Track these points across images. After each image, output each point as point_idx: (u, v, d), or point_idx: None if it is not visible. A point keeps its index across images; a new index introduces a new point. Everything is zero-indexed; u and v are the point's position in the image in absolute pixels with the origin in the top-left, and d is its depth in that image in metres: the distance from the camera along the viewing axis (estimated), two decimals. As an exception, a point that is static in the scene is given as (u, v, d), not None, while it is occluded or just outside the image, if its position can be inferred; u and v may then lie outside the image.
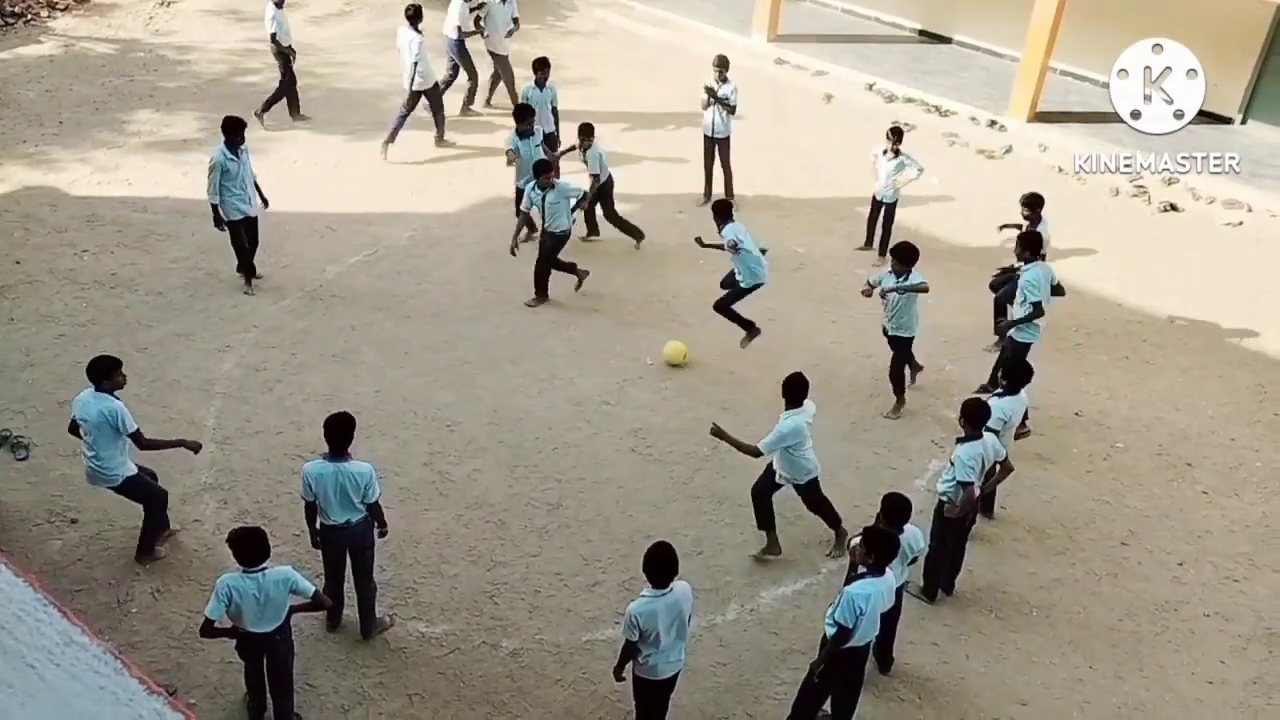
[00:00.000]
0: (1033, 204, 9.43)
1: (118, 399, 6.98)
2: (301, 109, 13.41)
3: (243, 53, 15.18)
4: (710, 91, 11.46)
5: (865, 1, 16.86)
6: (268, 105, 13.09)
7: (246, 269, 10.19)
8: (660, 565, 5.75)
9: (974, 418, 6.96)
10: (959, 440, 7.01)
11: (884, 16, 16.72)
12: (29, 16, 15.70)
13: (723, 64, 11.52)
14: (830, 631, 5.94)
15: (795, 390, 7.22)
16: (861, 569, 6.00)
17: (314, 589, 6.05)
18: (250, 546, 5.84)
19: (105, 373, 6.95)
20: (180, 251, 10.79)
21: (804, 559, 7.78)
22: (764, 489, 7.57)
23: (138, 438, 7.02)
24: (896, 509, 6.29)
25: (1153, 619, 7.47)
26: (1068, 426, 9.19)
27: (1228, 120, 13.73)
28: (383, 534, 6.86)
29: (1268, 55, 13.46)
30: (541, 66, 11.57)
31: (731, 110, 11.51)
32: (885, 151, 10.78)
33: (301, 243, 11.07)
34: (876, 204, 11.15)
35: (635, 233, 11.22)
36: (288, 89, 13.19)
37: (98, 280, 10.26)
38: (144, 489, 7.26)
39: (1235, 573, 7.88)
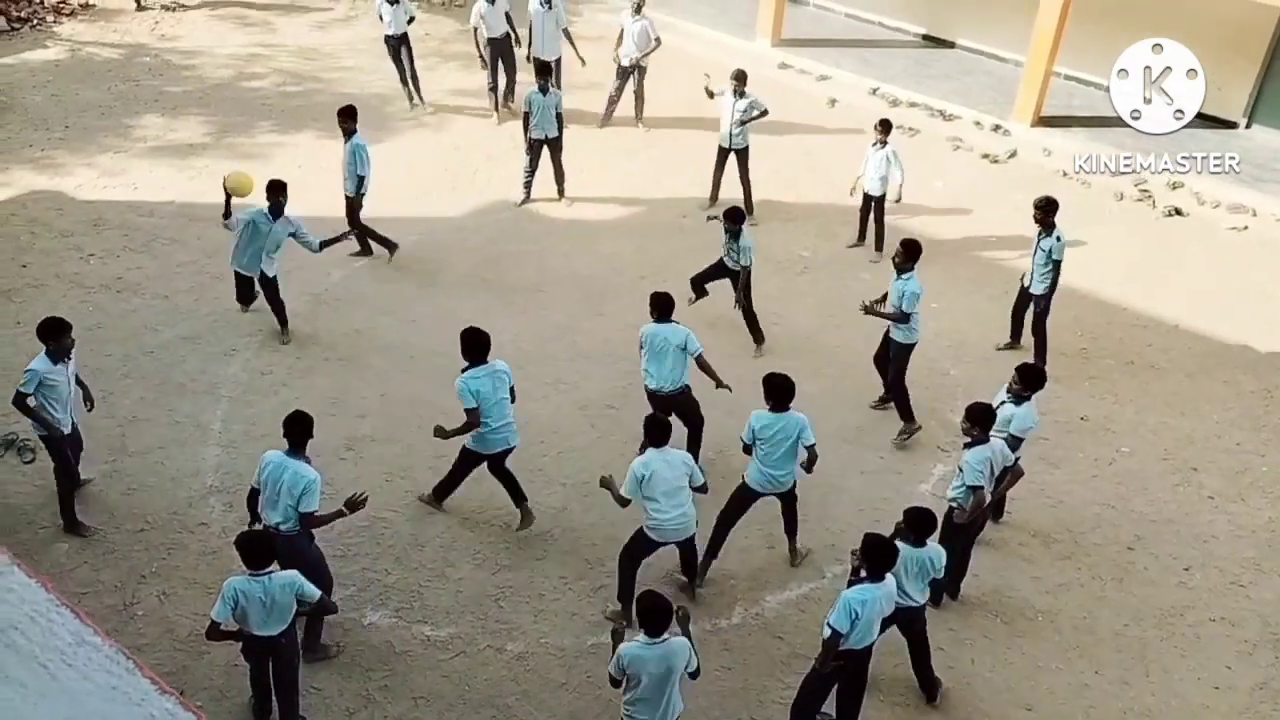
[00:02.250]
0: (1046, 208, 9.21)
1: (55, 365, 7.18)
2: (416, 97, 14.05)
3: (247, 58, 15.22)
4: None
5: (869, 6, 16.87)
6: (415, 90, 13.90)
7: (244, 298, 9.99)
8: (653, 615, 5.50)
9: (981, 422, 6.95)
10: (966, 445, 7.00)
11: (888, 21, 16.74)
12: (35, 22, 15.74)
13: (740, 78, 11.48)
14: (825, 634, 5.95)
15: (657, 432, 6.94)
16: (861, 573, 5.99)
17: (319, 594, 6.04)
18: (257, 549, 5.85)
19: (53, 334, 7.19)
20: (186, 255, 10.81)
21: (808, 563, 7.78)
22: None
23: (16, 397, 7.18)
24: (922, 522, 6.23)
25: (1158, 624, 7.46)
26: (1073, 431, 9.18)
27: (1232, 124, 13.73)
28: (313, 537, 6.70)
29: (1272, 59, 13.46)
30: (543, 72, 11.58)
31: (762, 114, 11.51)
32: (874, 144, 10.87)
33: (307, 247, 11.10)
34: (866, 199, 11.19)
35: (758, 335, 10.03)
36: (403, 74, 13.83)
37: (104, 284, 10.29)
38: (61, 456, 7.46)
39: (1241, 578, 7.87)
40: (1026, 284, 9.54)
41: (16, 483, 8.04)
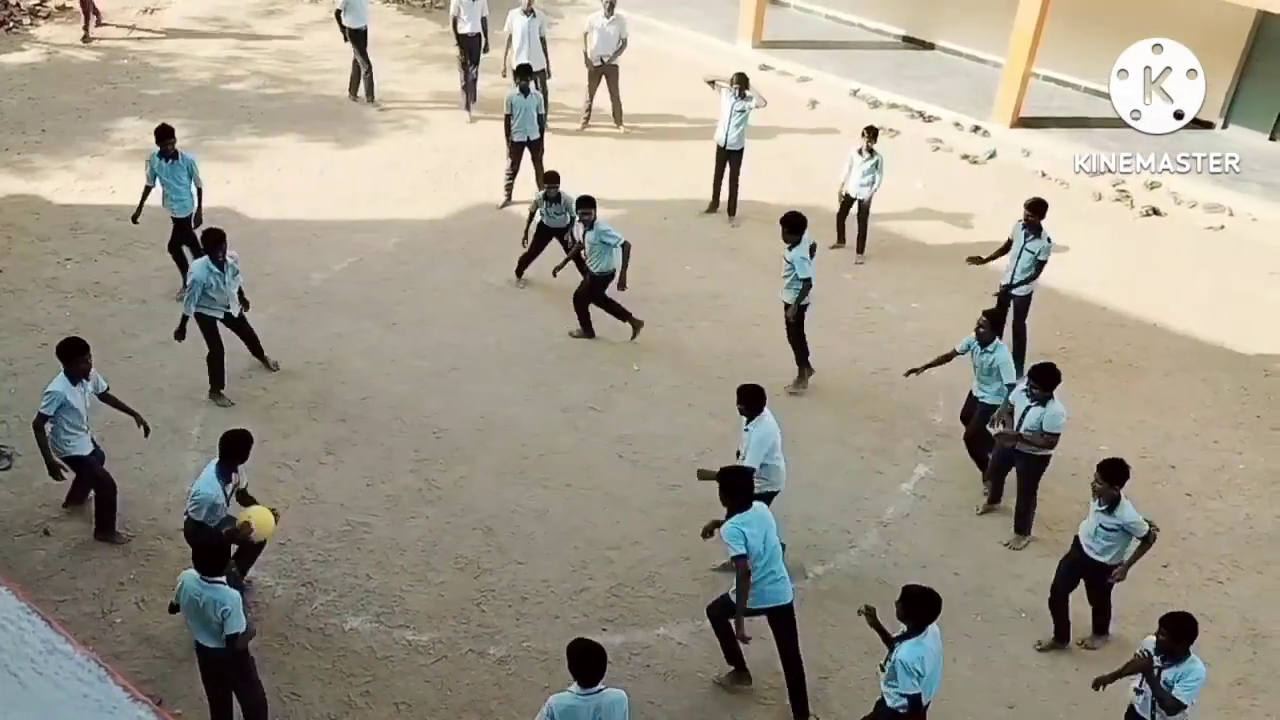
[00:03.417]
0: (1036, 209, 9.21)
1: (74, 386, 7.20)
2: (357, 94, 14.16)
3: (226, 60, 15.14)
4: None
5: (849, 8, 16.92)
6: (368, 89, 14.01)
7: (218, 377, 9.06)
8: (586, 663, 5.18)
9: (1122, 480, 6.61)
10: (1105, 510, 6.66)
11: (868, 23, 16.79)
12: (11, 24, 15.61)
13: (742, 81, 11.53)
14: (899, 704, 5.65)
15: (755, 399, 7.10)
16: (897, 633, 5.71)
17: (239, 631, 5.68)
18: (207, 557, 5.70)
19: (71, 355, 7.21)
20: (164, 260, 10.68)
21: (790, 563, 7.75)
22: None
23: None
24: (1188, 629, 5.65)
25: (1138, 621, 7.46)
26: (1053, 430, 9.23)
27: (1209, 125, 13.83)
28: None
29: (1248, 60, 13.58)
30: (524, 74, 11.57)
31: (760, 104, 11.71)
32: (860, 150, 10.89)
33: (287, 250, 11.04)
34: (848, 200, 11.21)
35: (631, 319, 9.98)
36: (361, 68, 13.92)
37: (81, 289, 10.21)
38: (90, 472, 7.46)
39: (1219, 574, 7.92)
40: (1007, 284, 9.57)
41: (-7, 490, 7.98)
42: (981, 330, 8.04)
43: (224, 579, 5.73)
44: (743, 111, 11.48)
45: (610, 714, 5.24)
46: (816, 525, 8.11)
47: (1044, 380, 7.42)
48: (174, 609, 5.89)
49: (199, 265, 8.60)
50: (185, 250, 9.93)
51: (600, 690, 5.22)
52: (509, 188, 11.98)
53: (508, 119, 11.54)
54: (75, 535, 7.63)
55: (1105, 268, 11.51)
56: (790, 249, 8.94)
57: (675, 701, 6.75)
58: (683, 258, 11.09)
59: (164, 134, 9.72)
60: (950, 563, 7.87)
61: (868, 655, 7.10)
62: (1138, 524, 6.64)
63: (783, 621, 6.46)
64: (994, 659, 7.16)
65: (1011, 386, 7.96)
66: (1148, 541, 6.70)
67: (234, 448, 6.61)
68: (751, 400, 7.09)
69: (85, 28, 15.36)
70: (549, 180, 10.19)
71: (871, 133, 10.91)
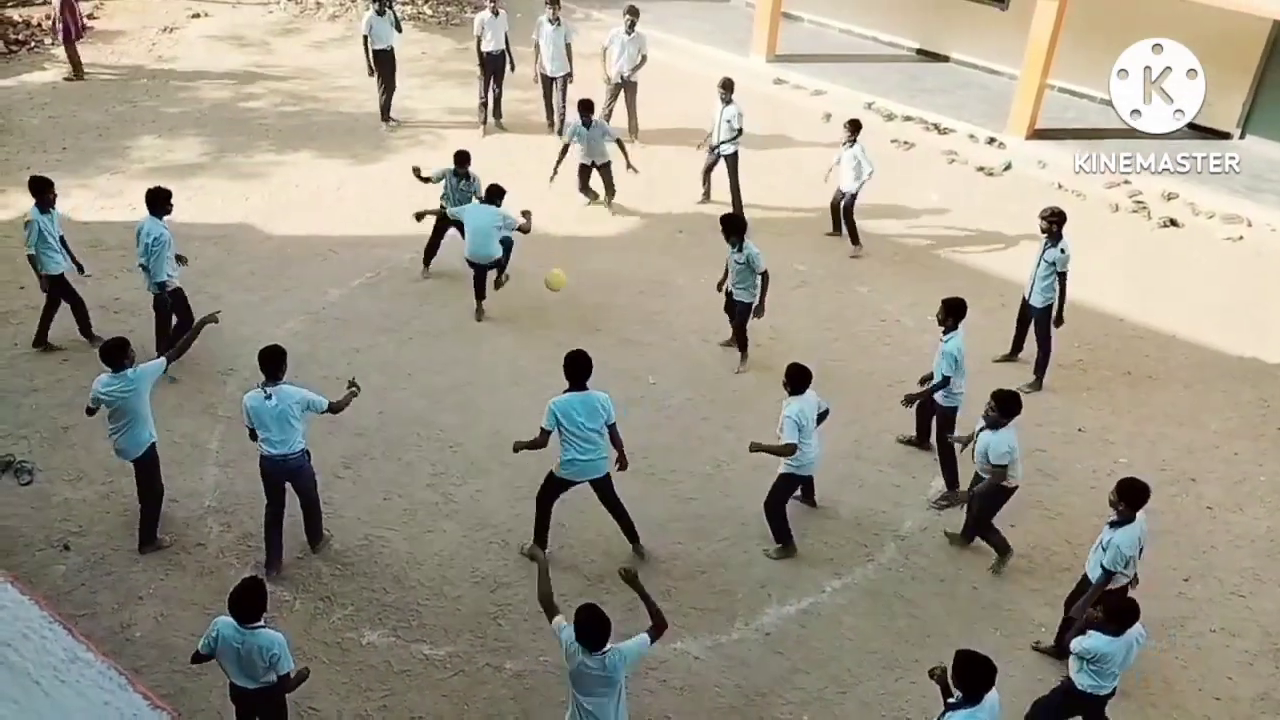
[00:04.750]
0: (1052, 218, 9.18)
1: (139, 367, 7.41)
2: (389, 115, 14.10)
3: (244, 78, 15.28)
4: (711, 149, 12.07)
5: (863, 21, 16.96)
6: (382, 108, 13.98)
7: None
8: (592, 629, 5.44)
9: (1132, 499, 6.48)
10: (1113, 523, 6.56)
11: (882, 36, 16.82)
12: (32, 44, 15.82)
13: (727, 86, 11.76)
14: None
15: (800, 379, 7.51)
16: (953, 698, 5.46)
17: (289, 670, 5.76)
18: (246, 602, 5.64)
19: (116, 355, 7.29)
20: (183, 276, 10.81)
21: (807, 578, 7.77)
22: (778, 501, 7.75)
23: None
24: (1125, 611, 5.92)
25: (1158, 635, 7.40)
26: (1071, 442, 9.18)
27: (1226, 135, 13.77)
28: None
29: (1265, 70, 13.52)
30: (587, 110, 11.73)
31: (738, 133, 11.75)
32: (844, 143, 11.23)
33: (304, 266, 11.12)
34: (838, 192, 11.56)
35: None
36: (378, 87, 13.88)
37: (101, 305, 10.28)
38: (155, 470, 7.59)
39: (1241, 588, 7.85)
40: (1027, 295, 9.55)
41: (13, 504, 8.03)
42: (936, 315, 8.22)
43: (263, 623, 5.70)
44: (729, 121, 11.70)
45: (627, 658, 5.58)
46: (833, 539, 8.08)
47: (1000, 405, 7.27)
48: (198, 659, 5.83)
49: (153, 224, 8.80)
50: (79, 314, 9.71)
51: (607, 651, 5.50)
52: (582, 189, 12.34)
53: (566, 146, 11.85)
54: (95, 550, 7.69)
55: (1123, 279, 11.45)
56: (739, 249, 9.25)
57: (692, 716, 6.73)
58: (697, 271, 11.08)
59: (43, 186, 9.12)
60: (968, 576, 7.83)
61: (885, 670, 7.09)
62: (1117, 556, 6.46)
63: (603, 489, 7.58)
64: (1013, 673, 7.10)
65: (947, 379, 8.07)
66: (1098, 585, 6.52)
67: (274, 361, 7.19)
68: (796, 379, 7.48)
69: (75, 63, 14.83)
70: (460, 160, 10.76)
71: (854, 126, 11.24)
